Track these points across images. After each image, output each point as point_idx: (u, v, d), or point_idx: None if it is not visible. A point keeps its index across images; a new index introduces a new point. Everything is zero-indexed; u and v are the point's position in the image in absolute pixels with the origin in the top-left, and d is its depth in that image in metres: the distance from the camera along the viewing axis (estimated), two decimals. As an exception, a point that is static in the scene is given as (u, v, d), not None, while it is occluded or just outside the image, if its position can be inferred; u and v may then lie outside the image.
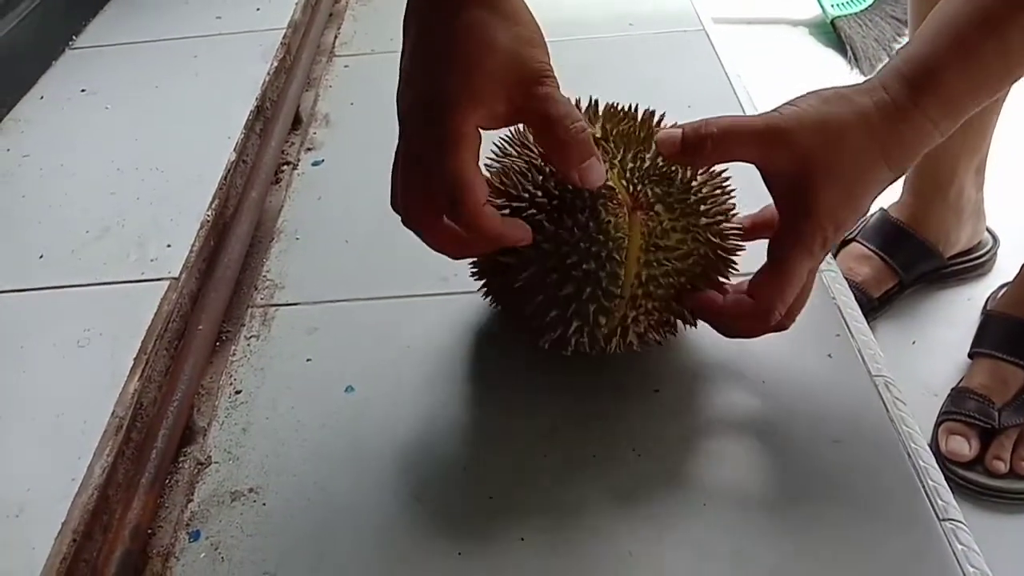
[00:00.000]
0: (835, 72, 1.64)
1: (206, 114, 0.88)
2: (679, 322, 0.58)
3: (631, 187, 0.53)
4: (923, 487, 0.53)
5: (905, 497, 0.53)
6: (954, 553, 0.50)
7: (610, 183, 0.52)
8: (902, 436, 0.56)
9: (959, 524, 0.52)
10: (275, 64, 0.95)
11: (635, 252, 0.52)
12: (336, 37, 1.12)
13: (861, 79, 0.51)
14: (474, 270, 0.60)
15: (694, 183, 0.54)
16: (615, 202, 0.52)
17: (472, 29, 0.47)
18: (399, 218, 0.52)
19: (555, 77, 0.49)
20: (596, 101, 0.57)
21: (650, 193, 0.52)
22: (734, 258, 0.57)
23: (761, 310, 0.51)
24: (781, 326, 0.54)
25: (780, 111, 0.50)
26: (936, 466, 0.56)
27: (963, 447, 0.86)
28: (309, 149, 0.89)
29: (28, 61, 0.98)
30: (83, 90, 0.94)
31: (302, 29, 1.06)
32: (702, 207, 0.54)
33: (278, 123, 0.86)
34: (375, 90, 0.99)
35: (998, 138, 1.02)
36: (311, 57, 1.02)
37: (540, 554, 0.50)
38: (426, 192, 0.49)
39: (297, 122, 0.92)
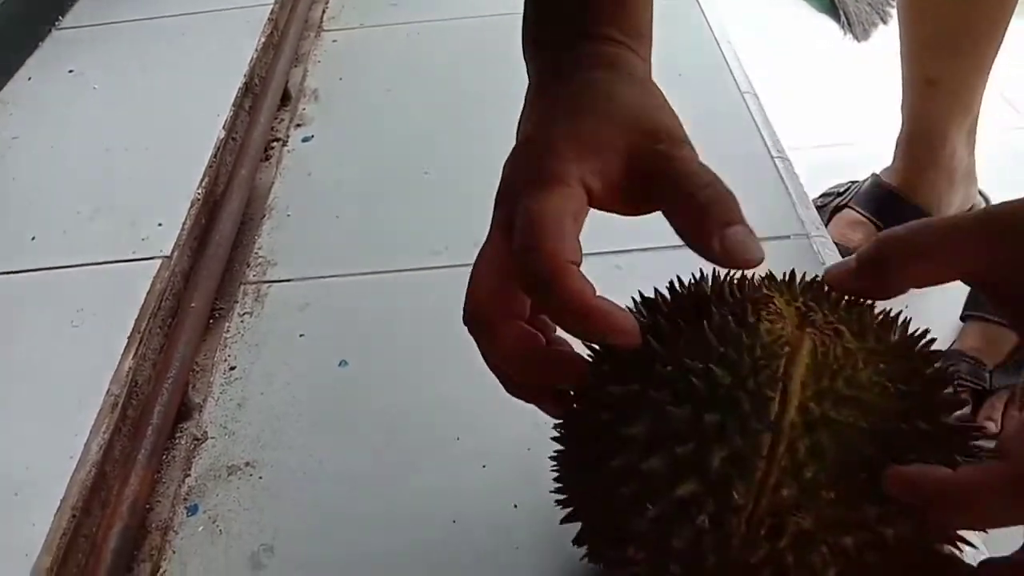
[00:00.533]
0: (828, 38, 1.63)
1: (194, 92, 0.88)
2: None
3: (799, 304, 0.36)
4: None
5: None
6: None
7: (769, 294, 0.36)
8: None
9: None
10: (262, 40, 0.95)
11: (799, 374, 0.33)
12: (324, 12, 1.11)
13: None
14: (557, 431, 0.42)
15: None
16: (773, 309, 0.35)
17: (596, 83, 0.40)
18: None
19: (691, 145, 0.39)
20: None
21: (827, 314, 0.35)
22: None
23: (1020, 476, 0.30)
24: None
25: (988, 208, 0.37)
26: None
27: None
28: (299, 125, 0.89)
29: (14, 43, 0.97)
30: (70, 71, 0.94)
31: (289, 4, 1.05)
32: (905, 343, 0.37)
33: (266, 100, 0.86)
34: (363, 65, 0.99)
35: (986, 99, 1.02)
36: (299, 33, 1.02)
37: (533, 519, 0.51)
38: (502, 268, 0.38)
39: (286, 98, 0.92)
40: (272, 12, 1.00)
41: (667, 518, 0.33)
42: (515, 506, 0.52)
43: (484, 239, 0.40)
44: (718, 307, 0.36)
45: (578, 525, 0.41)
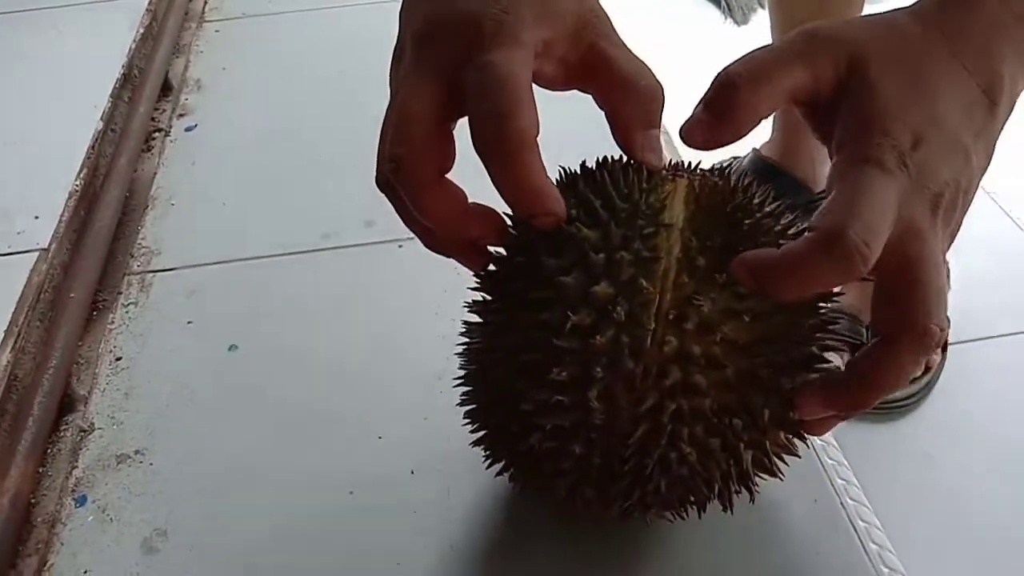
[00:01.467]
0: (709, 26, 1.68)
1: (71, 84, 0.86)
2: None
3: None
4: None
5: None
6: (813, 447, 0.54)
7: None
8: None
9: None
10: (141, 31, 0.93)
11: (681, 197, 0.38)
12: (206, 3, 1.09)
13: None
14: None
15: None
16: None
17: None
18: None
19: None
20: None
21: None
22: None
23: (829, 233, 0.33)
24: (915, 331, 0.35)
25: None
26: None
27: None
28: (181, 115, 0.87)
29: None
30: (-63, 67, 0.90)
31: (168, -5, 1.03)
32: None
33: (145, 89, 0.84)
34: (246, 54, 0.98)
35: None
36: (179, 23, 1.00)
37: (429, 487, 0.52)
38: (440, 117, 0.37)
39: (168, 89, 0.90)
40: (151, 3, 0.98)
41: (587, 324, 0.36)
42: (412, 472, 0.53)
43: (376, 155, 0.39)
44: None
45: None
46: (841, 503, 0.51)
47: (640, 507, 0.42)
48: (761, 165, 1.11)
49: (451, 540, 0.49)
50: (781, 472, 0.43)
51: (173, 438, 0.56)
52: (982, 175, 0.39)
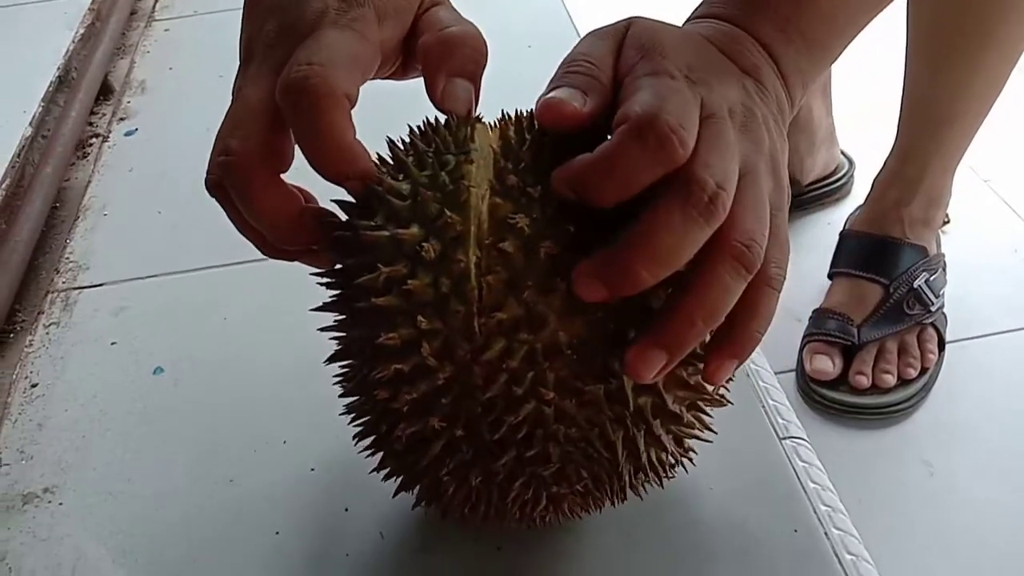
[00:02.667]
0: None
1: (1, 90, 0.80)
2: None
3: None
4: (763, 407, 0.52)
5: (745, 418, 0.51)
6: (795, 470, 0.48)
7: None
8: (741, 358, 0.54)
9: (800, 441, 0.50)
10: (81, 31, 0.87)
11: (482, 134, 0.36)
12: (156, 0, 1.04)
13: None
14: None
15: None
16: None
17: None
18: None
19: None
20: None
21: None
22: None
23: (640, 121, 0.31)
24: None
25: None
26: (778, 386, 0.54)
27: (827, 365, 0.86)
28: (122, 119, 0.82)
29: None
30: None
31: (113, -7, 0.98)
32: None
33: (79, 93, 0.78)
34: (196, 53, 0.93)
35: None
36: (122, 22, 0.94)
37: (364, 524, 0.46)
38: (272, 114, 0.35)
39: (109, 91, 0.85)
40: (93, 2, 0.93)
41: (403, 274, 0.33)
42: (346, 510, 0.47)
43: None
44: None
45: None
46: (825, 533, 0.46)
47: (545, 493, 0.37)
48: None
49: (386, 586, 0.44)
50: (703, 425, 0.38)
51: (86, 474, 0.51)
52: (780, 145, 0.37)
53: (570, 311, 0.33)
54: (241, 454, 0.51)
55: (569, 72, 0.35)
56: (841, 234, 0.95)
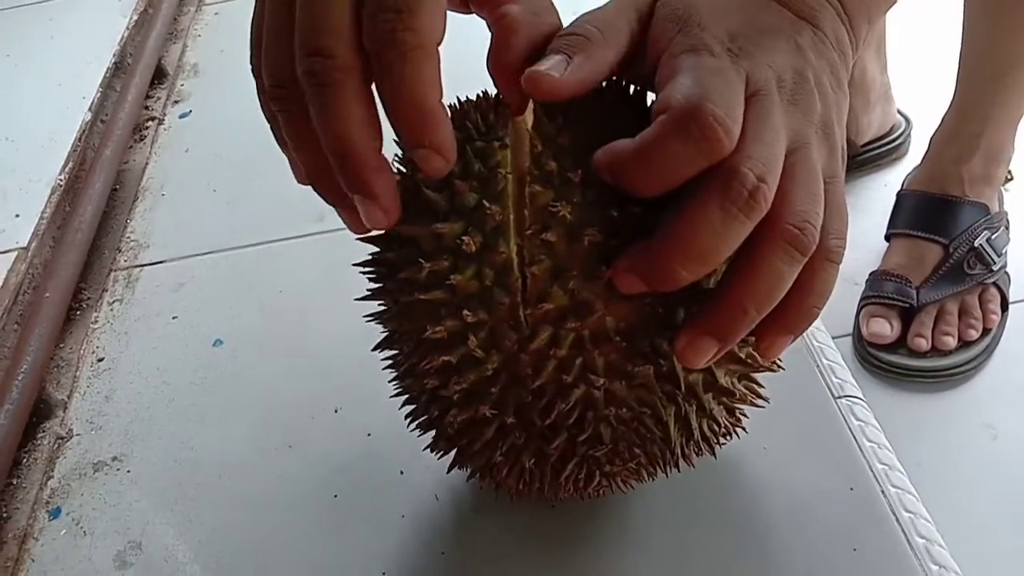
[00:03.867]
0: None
1: (61, 77, 0.83)
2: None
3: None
4: (818, 367, 0.51)
5: (799, 378, 0.50)
6: (850, 428, 0.48)
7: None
8: (793, 318, 0.54)
9: (855, 400, 0.50)
10: (135, 18, 0.90)
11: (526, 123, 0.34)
12: (206, -15, 1.05)
13: None
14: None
15: None
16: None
17: None
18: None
19: None
20: None
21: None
22: None
23: (683, 111, 0.30)
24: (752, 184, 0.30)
25: None
26: (832, 346, 0.53)
27: (884, 328, 0.85)
28: (176, 102, 0.84)
29: None
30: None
31: (165, -21, 0.99)
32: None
33: (135, 78, 0.80)
34: (246, 35, 0.93)
35: (896, 19, 0.99)
36: (174, 7, 0.96)
37: (419, 487, 0.47)
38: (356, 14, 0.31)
39: (163, 75, 0.87)
40: (145, -11, 0.95)
41: (445, 268, 0.33)
42: (401, 473, 0.48)
43: None
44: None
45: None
46: (882, 491, 0.45)
47: (598, 471, 0.37)
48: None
49: (442, 546, 0.45)
50: (756, 395, 0.38)
51: (151, 443, 0.52)
52: (837, 100, 0.34)
53: (616, 296, 0.32)
54: (299, 421, 0.52)
55: (561, 37, 0.33)
56: (898, 194, 0.92)
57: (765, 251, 0.31)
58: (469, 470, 0.41)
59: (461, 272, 0.32)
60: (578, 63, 0.32)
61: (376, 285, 0.37)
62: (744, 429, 0.40)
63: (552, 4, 0.35)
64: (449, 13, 0.32)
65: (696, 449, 0.38)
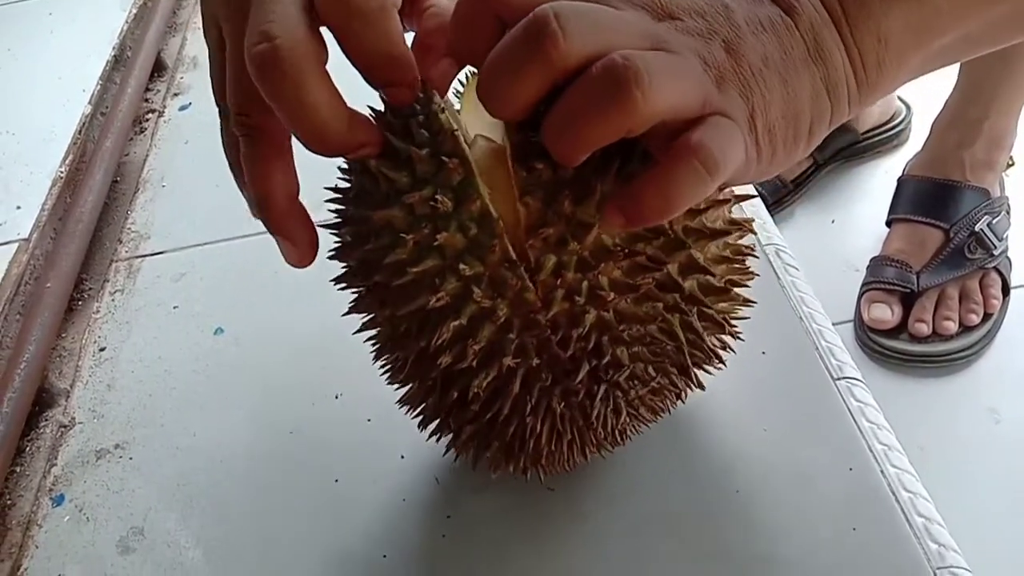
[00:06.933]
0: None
1: (61, 70, 0.83)
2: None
3: None
4: (817, 349, 0.51)
5: (798, 360, 0.50)
6: (849, 409, 0.48)
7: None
8: (792, 300, 0.54)
9: (854, 381, 0.50)
10: (134, 11, 0.90)
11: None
12: (204, -21, 1.05)
13: None
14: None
15: None
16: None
17: None
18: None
19: None
20: None
21: None
22: None
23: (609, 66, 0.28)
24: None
25: None
26: (831, 328, 0.53)
27: (885, 313, 0.85)
28: (176, 94, 0.84)
29: None
30: (-70, 62, 0.88)
31: (163, -27, 1.00)
32: None
33: (135, 70, 0.81)
34: (244, 26, 0.94)
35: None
36: (172, 1, 0.96)
37: (419, 470, 0.47)
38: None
39: (162, 68, 0.87)
40: (144, -18, 0.95)
41: (427, 234, 0.33)
42: (402, 457, 0.48)
43: None
44: None
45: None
46: (881, 471, 0.45)
47: (624, 402, 0.37)
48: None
49: (442, 529, 0.45)
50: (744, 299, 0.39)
51: (153, 430, 0.53)
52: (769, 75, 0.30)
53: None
54: (300, 407, 0.52)
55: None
56: (899, 179, 0.92)
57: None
58: (491, 456, 0.40)
59: (445, 230, 0.33)
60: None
61: (357, 290, 0.38)
62: (740, 337, 0.40)
63: None
64: None
65: (704, 360, 0.39)
